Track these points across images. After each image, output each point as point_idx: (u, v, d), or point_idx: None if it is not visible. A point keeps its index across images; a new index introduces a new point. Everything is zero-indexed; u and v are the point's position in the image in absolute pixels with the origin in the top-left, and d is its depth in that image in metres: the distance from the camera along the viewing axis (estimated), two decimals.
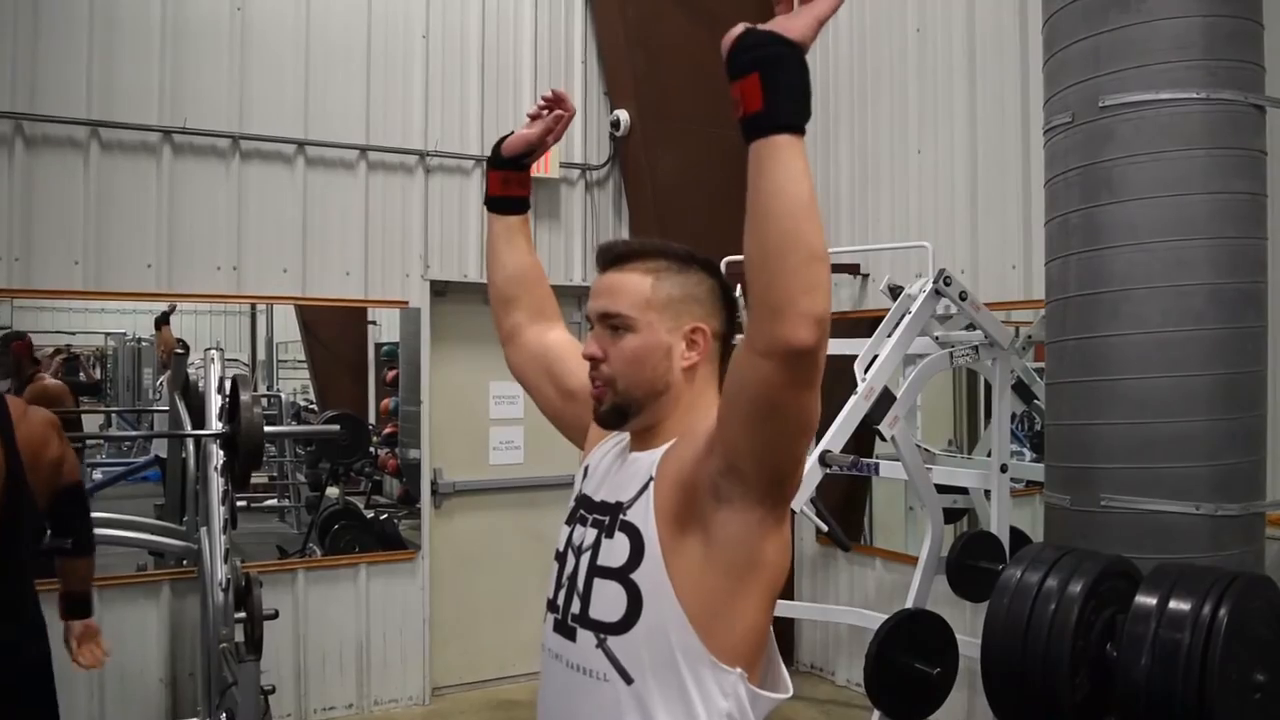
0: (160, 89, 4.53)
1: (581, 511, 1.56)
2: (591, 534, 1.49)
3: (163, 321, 4.97)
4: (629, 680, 1.39)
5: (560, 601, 1.51)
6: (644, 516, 1.42)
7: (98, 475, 5.43)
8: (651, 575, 1.38)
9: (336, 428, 4.99)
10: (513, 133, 1.86)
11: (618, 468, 1.55)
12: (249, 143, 4.71)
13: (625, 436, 1.59)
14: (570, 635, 1.47)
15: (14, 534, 2.63)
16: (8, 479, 2.60)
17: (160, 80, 4.54)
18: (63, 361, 5.13)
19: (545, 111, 1.84)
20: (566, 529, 1.58)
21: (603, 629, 1.42)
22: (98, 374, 5.81)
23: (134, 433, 5.58)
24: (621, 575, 1.41)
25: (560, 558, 1.56)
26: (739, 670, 1.37)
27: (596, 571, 1.45)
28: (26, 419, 2.72)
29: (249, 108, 4.72)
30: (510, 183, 1.87)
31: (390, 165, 5.06)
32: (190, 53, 4.60)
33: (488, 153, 5.03)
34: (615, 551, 1.43)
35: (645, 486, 1.45)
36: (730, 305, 1.56)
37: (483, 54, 5.27)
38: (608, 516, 1.48)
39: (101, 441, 5.69)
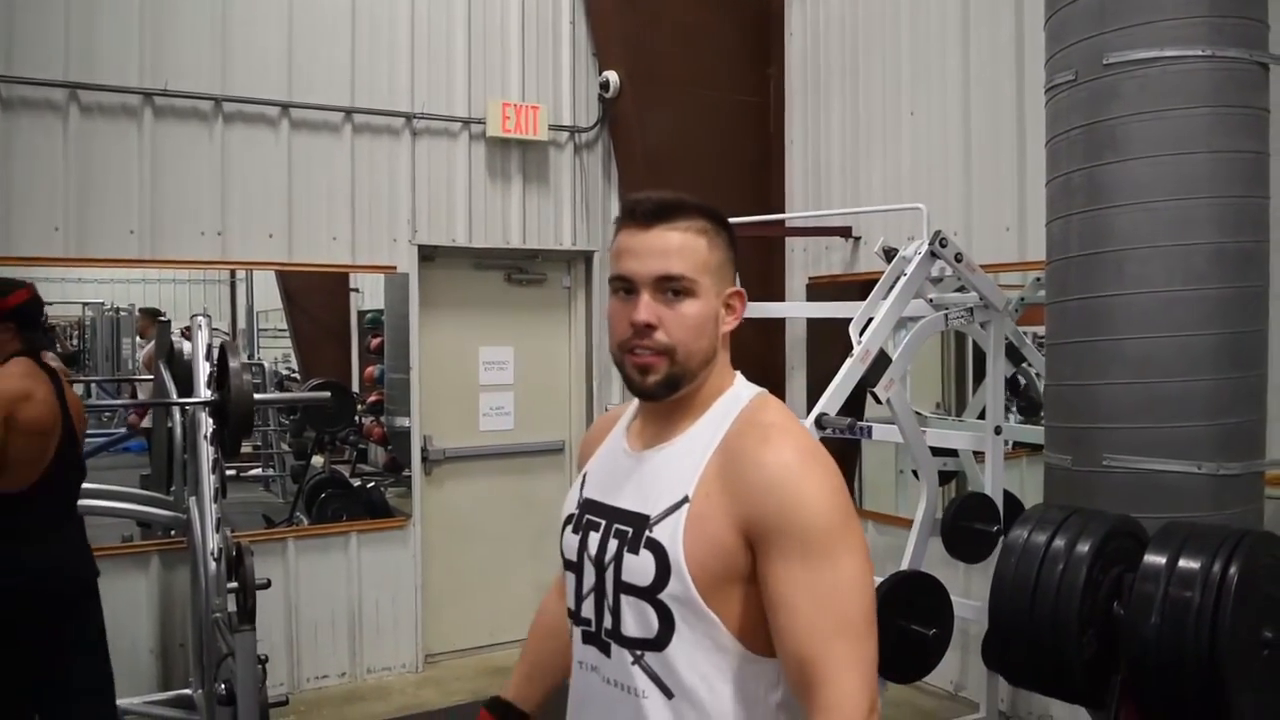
0: (140, 50, 4.43)
1: (589, 517, 1.48)
2: (612, 546, 1.42)
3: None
4: (669, 695, 1.36)
5: (589, 615, 1.45)
6: (672, 537, 1.35)
7: None
8: (681, 595, 1.34)
9: (326, 394, 4.93)
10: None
11: (632, 467, 1.47)
12: (232, 105, 4.61)
13: (620, 431, 1.55)
14: (605, 650, 1.42)
15: (73, 488, 3.28)
16: (64, 438, 3.11)
17: (140, 41, 4.43)
18: None
19: None
20: (573, 537, 1.50)
21: (638, 645, 1.37)
22: (76, 345, 5.74)
23: (123, 401, 5.51)
24: (649, 595, 1.36)
25: (574, 568, 1.49)
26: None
27: (622, 588, 1.39)
28: (70, 388, 3.15)
29: (231, 69, 4.62)
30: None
31: (376, 128, 4.97)
32: (171, 13, 4.49)
33: (476, 114, 5.07)
34: (641, 569, 1.37)
35: (678, 506, 1.37)
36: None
37: (469, 14, 5.17)
38: (631, 528, 1.40)
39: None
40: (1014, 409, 4.65)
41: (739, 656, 1.34)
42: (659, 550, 1.35)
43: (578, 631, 1.48)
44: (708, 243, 1.43)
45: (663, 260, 1.40)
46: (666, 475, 1.41)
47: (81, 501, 4.35)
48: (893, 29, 4.99)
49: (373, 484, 5.48)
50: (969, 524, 3.84)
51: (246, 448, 5.71)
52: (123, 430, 5.62)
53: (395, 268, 5.04)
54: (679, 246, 1.40)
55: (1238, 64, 2.73)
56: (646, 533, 1.37)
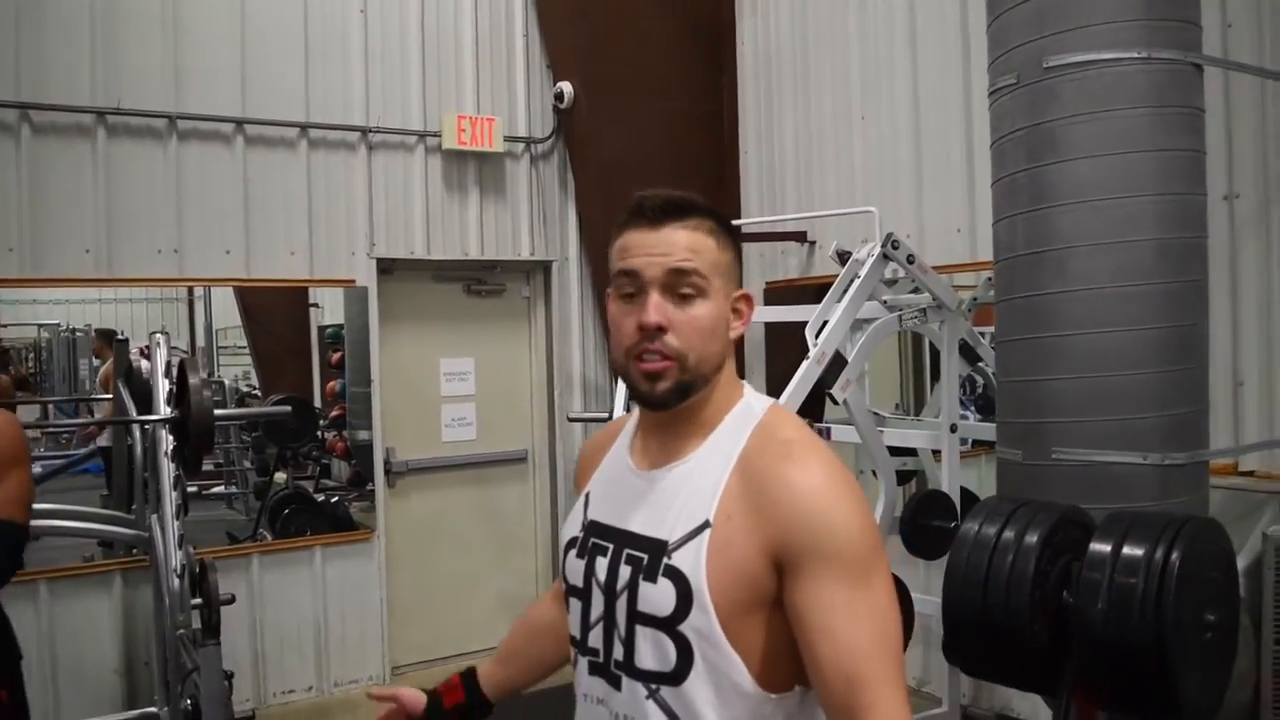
0: (92, 69, 4.41)
1: (595, 540, 1.41)
2: (625, 572, 1.34)
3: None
4: None
5: (596, 645, 1.38)
6: (694, 564, 1.28)
7: (37, 469, 5.31)
8: (703, 627, 1.27)
9: (287, 409, 4.92)
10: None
11: (642, 488, 1.39)
12: (186, 122, 4.60)
13: (621, 448, 1.48)
14: (614, 683, 1.35)
15: None
16: None
17: (92, 60, 4.41)
18: None
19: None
20: (579, 561, 1.42)
21: (654, 679, 1.31)
22: (31, 368, 5.68)
23: (83, 420, 5.47)
24: (668, 626, 1.29)
25: (581, 594, 1.41)
26: (797, 688, 1.32)
27: (638, 618, 1.32)
28: None
29: (185, 86, 4.60)
30: (453, 694, 1.74)
31: (332, 142, 4.98)
32: (123, 30, 4.48)
33: (431, 128, 5.09)
34: (659, 599, 1.29)
35: (699, 531, 1.29)
36: None
37: (423, 27, 5.19)
38: (646, 554, 1.32)
39: (39, 434, 5.56)
40: (972, 407, 4.73)
41: (755, 694, 1.29)
42: (680, 579, 1.28)
43: (584, 662, 1.41)
44: (717, 243, 1.36)
45: (674, 256, 1.32)
46: (683, 497, 1.33)
47: (43, 522, 4.35)
48: (842, 36, 5.06)
49: (336, 499, 5.47)
50: (927, 521, 3.91)
51: (209, 465, 5.71)
52: (82, 451, 5.57)
53: (354, 281, 5.05)
54: (689, 244, 1.33)
55: (1174, 65, 2.81)
56: (665, 560, 1.30)
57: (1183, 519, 2.34)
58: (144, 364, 4.36)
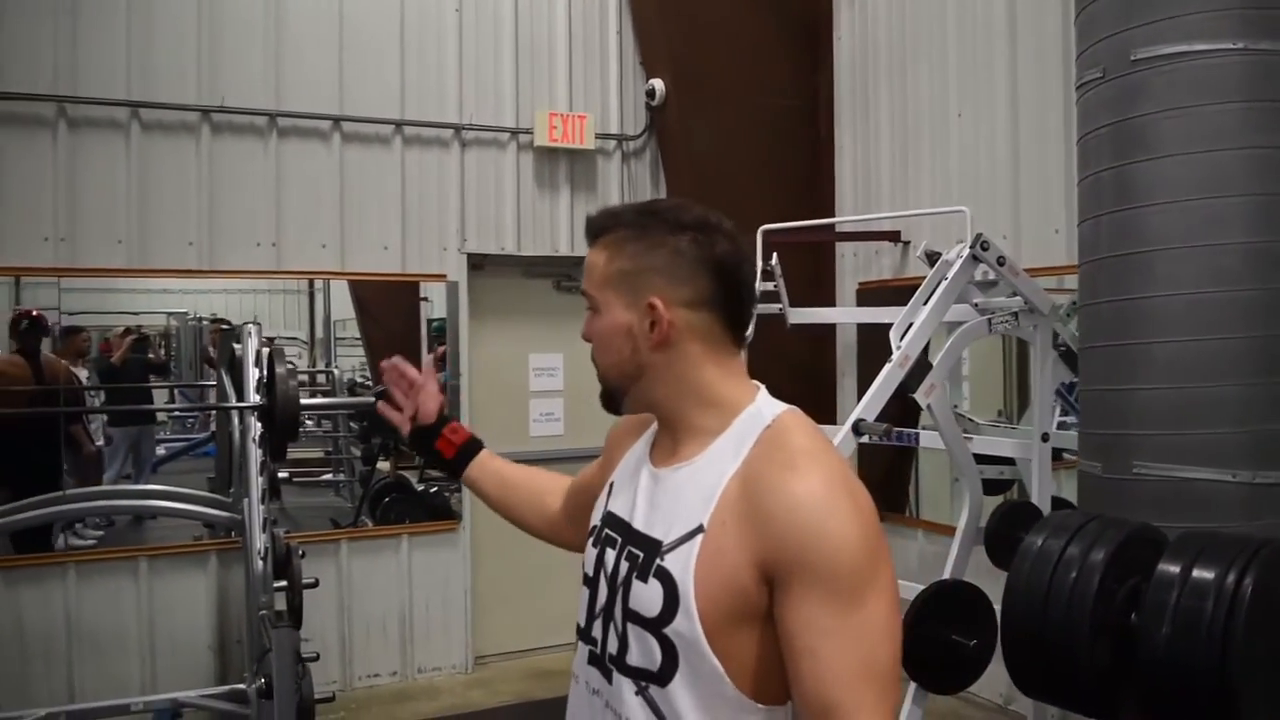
0: (198, 69, 4.61)
1: (608, 532, 1.41)
2: (624, 567, 1.34)
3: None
4: None
5: (597, 635, 1.38)
6: (683, 568, 1.26)
7: (161, 450, 5.60)
8: (687, 633, 1.25)
9: (370, 399, 5.02)
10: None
11: (650, 486, 1.39)
12: (286, 120, 4.77)
13: (645, 442, 1.47)
14: (608, 676, 1.35)
15: None
16: None
17: (198, 60, 4.61)
18: (133, 342, 5.27)
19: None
20: (594, 550, 1.43)
21: (643, 677, 1.30)
22: (165, 354, 5.97)
23: (175, 406, 5.71)
24: (654, 627, 1.28)
25: (590, 583, 1.42)
26: (789, 703, 1.27)
27: (629, 615, 1.32)
28: None
29: (285, 86, 4.78)
30: (449, 442, 1.82)
31: (426, 139, 5.08)
32: (226, 32, 4.67)
33: (524, 125, 5.13)
34: (648, 599, 1.29)
35: (692, 535, 1.27)
36: (716, 268, 1.35)
37: (516, 25, 5.26)
38: (643, 553, 1.32)
39: (166, 419, 5.84)
40: (1073, 416, 4.54)
41: (741, 704, 1.25)
42: (669, 581, 1.26)
43: (584, 650, 1.42)
44: (608, 255, 1.38)
45: (583, 278, 1.43)
46: (682, 499, 1.31)
47: (145, 502, 4.57)
48: (940, 30, 4.93)
49: (436, 489, 5.57)
50: (1013, 533, 3.76)
51: (318, 454, 5.89)
52: (201, 435, 5.84)
53: (445, 276, 5.14)
54: (588, 264, 1.42)
55: (1271, 56, 2.64)
56: (657, 560, 1.29)
57: (1261, 541, 2.19)
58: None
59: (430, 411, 1.81)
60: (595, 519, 1.47)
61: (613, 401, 1.43)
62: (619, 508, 1.42)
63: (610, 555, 1.38)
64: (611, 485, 1.48)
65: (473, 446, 1.84)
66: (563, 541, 1.79)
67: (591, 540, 1.45)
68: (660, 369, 1.36)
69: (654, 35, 5.45)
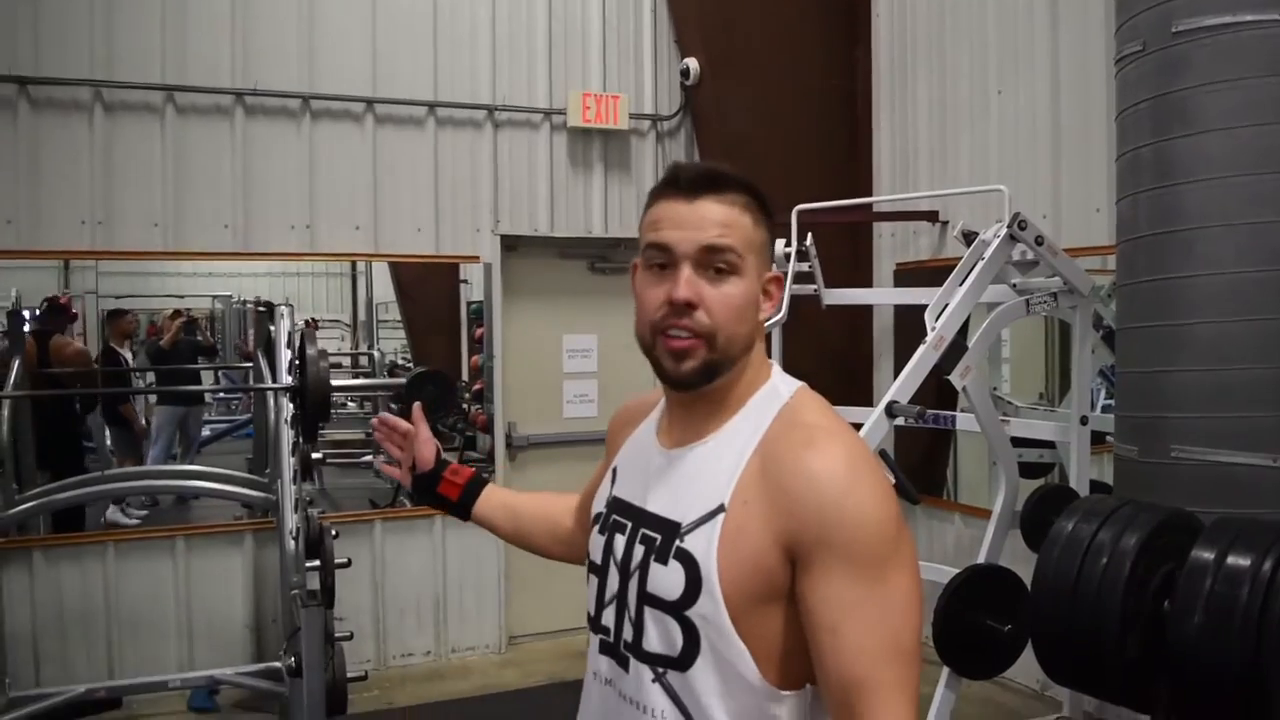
0: (232, 52, 4.63)
1: (616, 517, 1.38)
2: (639, 552, 1.31)
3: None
4: (688, 718, 1.26)
5: (608, 623, 1.36)
6: (705, 549, 1.23)
7: (205, 431, 5.70)
8: (711, 614, 1.22)
9: (402, 381, 5.06)
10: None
11: (663, 467, 1.35)
12: (319, 102, 4.77)
13: (651, 423, 1.43)
14: (623, 664, 1.32)
15: None
16: None
17: (232, 44, 4.63)
18: (182, 324, 5.34)
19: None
20: (600, 537, 1.40)
21: (661, 663, 1.27)
22: (213, 337, 6.05)
23: (209, 387, 5.78)
24: (676, 610, 1.25)
25: (598, 571, 1.39)
26: (809, 686, 1.25)
27: (647, 600, 1.28)
28: None
29: (318, 68, 4.78)
30: (452, 484, 1.79)
31: (459, 121, 5.07)
32: (260, 16, 4.68)
33: (557, 106, 5.11)
34: (668, 582, 1.26)
35: (713, 515, 1.25)
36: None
37: (550, 5, 5.23)
38: (660, 535, 1.29)
39: (211, 400, 5.93)
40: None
41: (763, 689, 1.23)
42: (690, 563, 1.24)
43: (595, 640, 1.39)
44: (753, 220, 1.30)
45: (709, 231, 1.27)
46: (701, 479, 1.29)
47: (183, 482, 4.63)
48: (980, 5, 4.82)
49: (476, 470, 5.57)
50: (1049, 517, 3.69)
51: (359, 435, 5.94)
52: (243, 417, 5.92)
53: (479, 258, 5.14)
54: (724, 219, 1.28)
55: None
56: (677, 542, 1.26)
57: None
58: None
59: (427, 458, 1.78)
60: (599, 506, 1.44)
61: (712, 378, 1.30)
62: (626, 493, 1.39)
63: (620, 541, 1.35)
64: (615, 471, 1.45)
65: (476, 483, 1.81)
66: (581, 559, 1.76)
67: (597, 528, 1.42)
68: (754, 343, 1.34)
69: (688, 14, 5.39)
